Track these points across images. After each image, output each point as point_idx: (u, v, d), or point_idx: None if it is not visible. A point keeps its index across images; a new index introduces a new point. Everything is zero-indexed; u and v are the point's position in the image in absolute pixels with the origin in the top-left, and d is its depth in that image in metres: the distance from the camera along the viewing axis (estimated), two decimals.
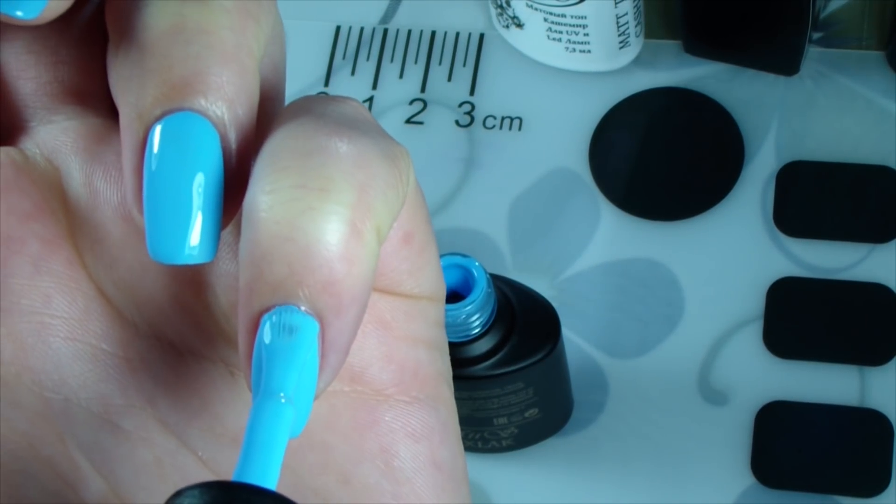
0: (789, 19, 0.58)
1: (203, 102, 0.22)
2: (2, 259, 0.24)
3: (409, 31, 0.63)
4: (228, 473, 0.25)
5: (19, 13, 0.22)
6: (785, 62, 0.60)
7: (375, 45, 0.63)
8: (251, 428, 0.22)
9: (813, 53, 0.61)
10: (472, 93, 0.62)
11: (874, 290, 0.56)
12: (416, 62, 0.63)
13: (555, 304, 0.50)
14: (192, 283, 0.25)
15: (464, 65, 0.63)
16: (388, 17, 0.64)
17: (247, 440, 0.22)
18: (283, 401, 0.22)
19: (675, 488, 0.54)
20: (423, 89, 0.62)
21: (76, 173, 0.24)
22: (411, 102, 0.62)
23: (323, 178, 0.22)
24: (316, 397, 0.22)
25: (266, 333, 0.22)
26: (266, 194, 0.22)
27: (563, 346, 0.51)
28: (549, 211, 0.59)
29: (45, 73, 0.25)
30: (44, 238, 0.24)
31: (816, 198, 0.58)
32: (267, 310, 0.22)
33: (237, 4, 0.23)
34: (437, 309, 0.26)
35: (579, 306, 0.57)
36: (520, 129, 0.61)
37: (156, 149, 0.22)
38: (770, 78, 0.60)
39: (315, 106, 0.24)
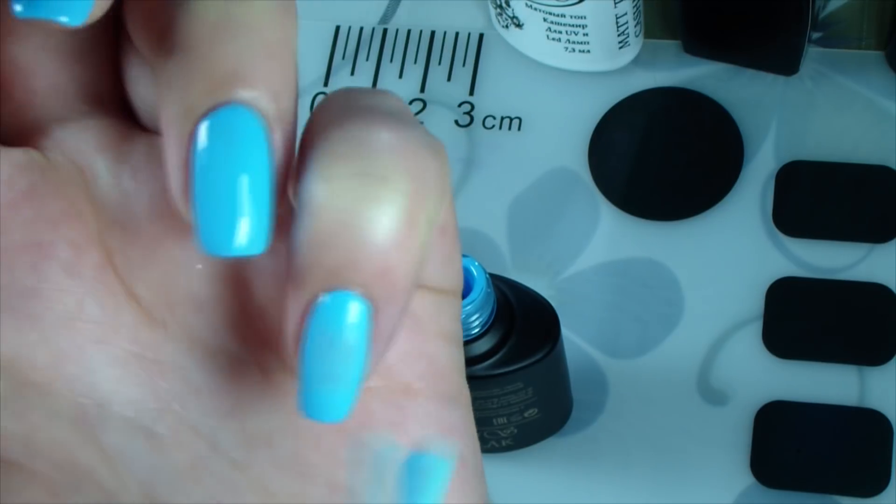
0: (789, 19, 0.58)
1: (251, 96, 0.22)
2: (33, 265, 0.24)
3: (409, 31, 0.63)
4: (263, 476, 0.25)
5: (64, 19, 0.22)
6: (784, 62, 0.60)
7: (375, 45, 0.63)
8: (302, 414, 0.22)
9: (812, 53, 0.61)
10: (471, 93, 0.62)
11: (874, 290, 0.56)
12: (415, 62, 0.63)
13: (554, 304, 0.50)
14: (225, 280, 0.25)
15: (463, 65, 0.63)
16: (387, 16, 0.64)
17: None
18: (332, 387, 0.22)
19: (674, 488, 0.54)
20: (422, 89, 0.62)
21: (103, 173, 0.24)
22: (411, 102, 0.62)
23: (383, 167, 0.22)
24: (361, 384, 0.23)
25: (320, 318, 0.22)
26: (325, 181, 0.22)
27: (562, 346, 0.51)
28: (549, 211, 0.59)
29: (60, 71, 0.24)
30: (73, 242, 0.24)
31: (816, 198, 0.58)
32: (321, 294, 0.22)
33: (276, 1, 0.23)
34: (458, 304, 0.27)
35: (579, 306, 0.57)
36: (519, 128, 0.61)
37: (205, 143, 0.22)
38: (769, 78, 0.60)
39: (362, 98, 0.24)
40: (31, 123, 0.25)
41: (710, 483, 0.54)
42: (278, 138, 0.23)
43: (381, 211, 0.22)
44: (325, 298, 0.22)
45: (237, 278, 0.25)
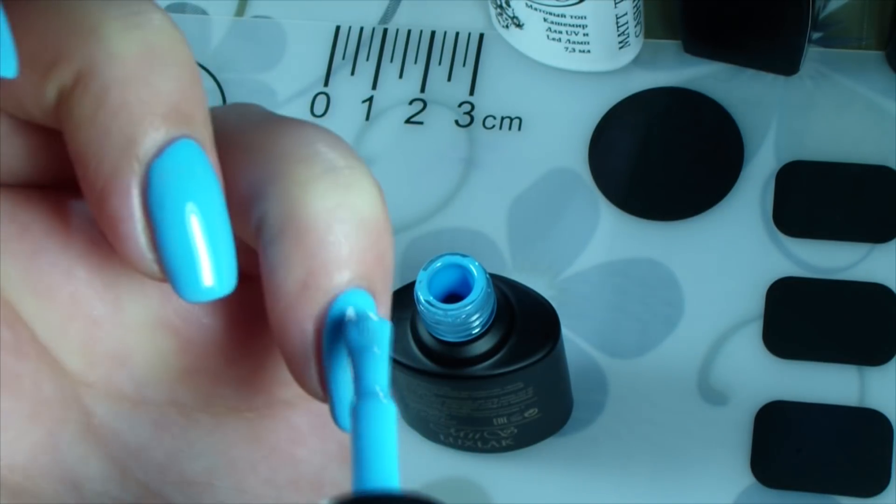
0: (789, 19, 0.58)
1: (193, 127, 0.21)
2: None
3: (409, 31, 0.63)
4: None
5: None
6: (785, 62, 0.60)
7: (375, 45, 0.63)
8: (361, 434, 0.21)
9: (813, 53, 0.61)
10: (471, 93, 0.62)
11: (874, 290, 0.56)
12: (415, 62, 0.63)
13: (554, 304, 0.50)
14: (141, 329, 0.24)
15: (463, 65, 0.63)
16: (387, 16, 0.64)
17: (359, 447, 0.21)
18: (382, 398, 0.22)
19: (674, 488, 0.54)
20: (422, 89, 0.62)
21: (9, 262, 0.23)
22: (411, 102, 0.62)
23: (345, 158, 0.22)
24: None
25: (346, 329, 0.22)
26: (297, 186, 0.22)
27: (562, 346, 0.51)
28: (549, 211, 0.59)
29: None
30: (7, 321, 0.23)
31: (816, 198, 0.58)
32: (331, 300, 0.22)
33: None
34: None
35: (579, 306, 0.57)
36: (519, 129, 0.61)
37: (163, 184, 0.21)
38: (770, 78, 0.60)
39: (241, 109, 0.23)
40: None
41: (710, 483, 0.54)
42: (215, 164, 0.22)
43: (367, 194, 0.22)
44: (337, 305, 0.22)
45: (148, 325, 0.24)
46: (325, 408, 0.24)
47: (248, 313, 0.24)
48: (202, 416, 0.24)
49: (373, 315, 0.22)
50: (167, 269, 0.22)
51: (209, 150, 0.22)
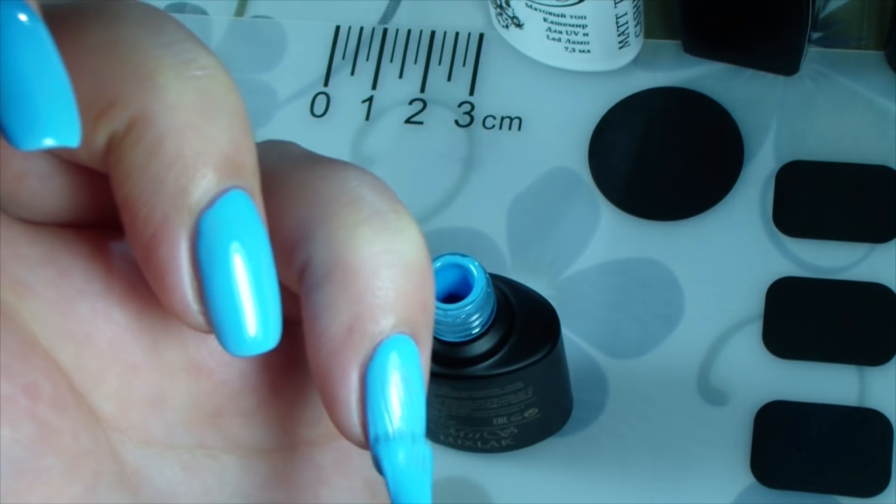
0: (789, 19, 0.58)
1: (243, 177, 0.21)
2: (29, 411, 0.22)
3: (409, 31, 0.63)
4: None
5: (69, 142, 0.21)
6: (784, 62, 0.60)
7: (375, 45, 0.63)
8: (397, 479, 0.22)
9: (812, 53, 0.61)
10: (471, 93, 0.62)
11: (874, 290, 0.56)
12: (415, 62, 0.63)
13: (554, 304, 0.50)
14: (172, 373, 0.24)
15: (463, 65, 0.63)
16: (387, 17, 0.64)
17: (396, 491, 0.22)
18: (414, 442, 0.22)
19: (674, 488, 0.54)
20: (422, 89, 0.62)
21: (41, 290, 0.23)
22: (411, 102, 0.62)
23: (390, 202, 0.22)
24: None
25: (383, 372, 0.22)
26: (346, 228, 0.22)
27: (562, 346, 0.51)
28: (549, 211, 0.59)
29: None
30: (48, 374, 0.22)
31: (816, 198, 0.58)
32: (377, 346, 0.22)
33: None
34: None
35: (579, 306, 0.57)
36: (519, 128, 0.61)
37: (214, 237, 0.21)
38: (769, 78, 0.60)
39: (282, 147, 0.23)
40: None
41: (710, 483, 0.54)
42: (262, 213, 0.22)
43: (409, 239, 0.22)
44: (381, 350, 0.22)
45: (183, 368, 0.24)
46: (348, 445, 0.25)
47: (281, 354, 0.24)
48: (230, 458, 0.24)
49: (406, 336, 0.22)
50: (213, 322, 0.21)
51: (258, 199, 0.22)
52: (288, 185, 0.23)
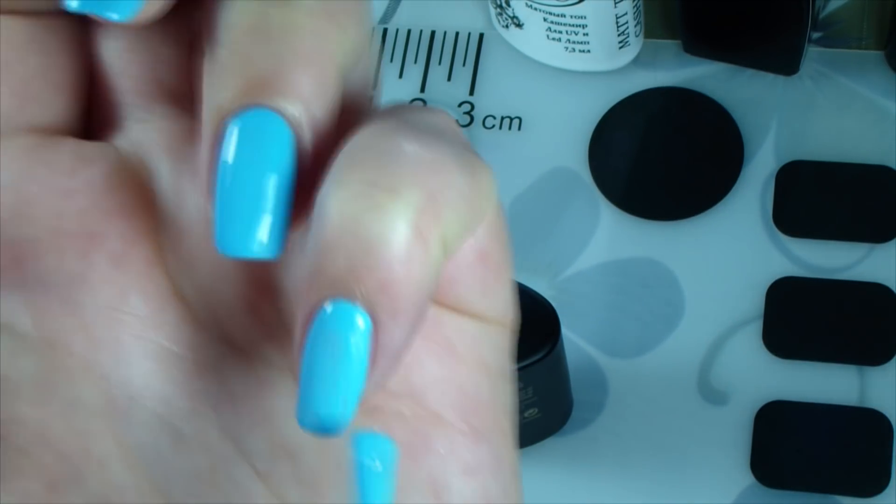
0: (789, 19, 0.58)
1: (280, 101, 0.22)
2: (82, 253, 0.24)
3: (409, 31, 0.63)
4: (280, 488, 0.24)
5: (114, 15, 0.23)
6: (784, 62, 0.60)
7: (375, 45, 0.63)
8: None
9: (813, 53, 0.61)
10: (471, 92, 0.62)
11: (874, 290, 0.56)
12: (415, 62, 0.63)
13: (554, 304, 0.50)
14: (267, 287, 0.24)
15: (463, 64, 0.63)
16: (387, 16, 0.64)
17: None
18: (330, 400, 0.22)
19: (674, 488, 0.54)
20: (422, 89, 0.62)
21: (166, 174, 0.25)
22: (411, 102, 0.62)
23: (394, 178, 0.22)
24: (362, 400, 0.22)
25: (320, 327, 0.22)
26: (336, 187, 0.22)
27: (562, 346, 0.51)
28: (549, 211, 0.59)
29: (145, 71, 0.25)
30: (125, 236, 0.24)
31: (816, 198, 0.58)
32: (324, 302, 0.22)
33: (323, 7, 0.23)
34: (505, 336, 0.26)
35: (579, 306, 0.57)
36: (519, 128, 0.61)
37: (230, 143, 0.22)
38: (770, 78, 0.60)
39: (401, 111, 0.24)
40: (111, 119, 0.25)
41: (710, 483, 0.54)
42: (307, 146, 0.23)
43: (387, 221, 0.22)
44: (327, 307, 0.22)
45: (278, 286, 0.24)
46: (427, 427, 0.25)
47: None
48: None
49: (355, 306, 0.22)
50: (212, 219, 0.23)
51: (298, 126, 0.23)
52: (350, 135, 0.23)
